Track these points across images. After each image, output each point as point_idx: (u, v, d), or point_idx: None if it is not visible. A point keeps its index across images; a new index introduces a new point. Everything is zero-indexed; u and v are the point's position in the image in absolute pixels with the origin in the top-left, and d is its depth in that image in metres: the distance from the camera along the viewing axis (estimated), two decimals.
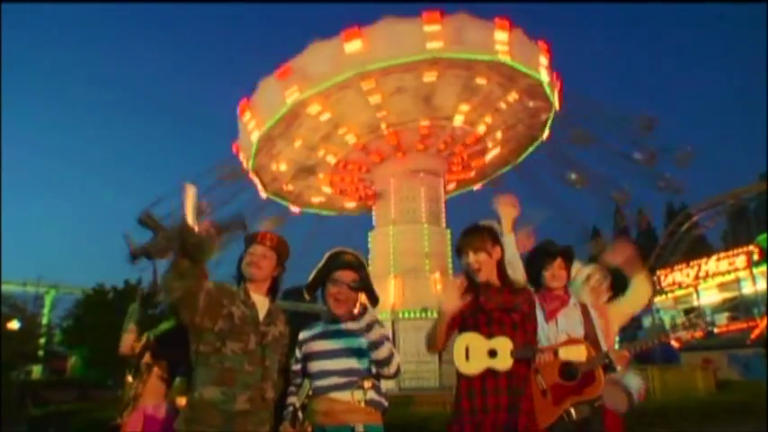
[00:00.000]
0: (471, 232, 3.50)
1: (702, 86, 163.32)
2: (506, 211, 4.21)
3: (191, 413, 3.09)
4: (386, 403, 3.33)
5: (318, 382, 3.31)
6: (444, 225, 24.11)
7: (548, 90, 21.71)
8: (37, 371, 42.75)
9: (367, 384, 3.27)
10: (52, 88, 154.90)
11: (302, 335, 3.62)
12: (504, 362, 3.09)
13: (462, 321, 3.34)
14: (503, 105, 22.23)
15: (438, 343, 3.32)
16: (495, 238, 3.43)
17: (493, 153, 25.06)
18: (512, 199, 4.28)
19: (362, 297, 3.66)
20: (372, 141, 22.68)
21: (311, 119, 21.24)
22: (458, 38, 19.10)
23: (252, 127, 21.80)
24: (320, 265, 3.61)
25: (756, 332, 34.46)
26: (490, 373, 3.12)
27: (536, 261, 4.17)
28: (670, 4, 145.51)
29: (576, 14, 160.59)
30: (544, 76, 21.09)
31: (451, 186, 27.02)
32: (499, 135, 24.04)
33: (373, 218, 24.34)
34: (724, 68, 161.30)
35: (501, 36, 19.73)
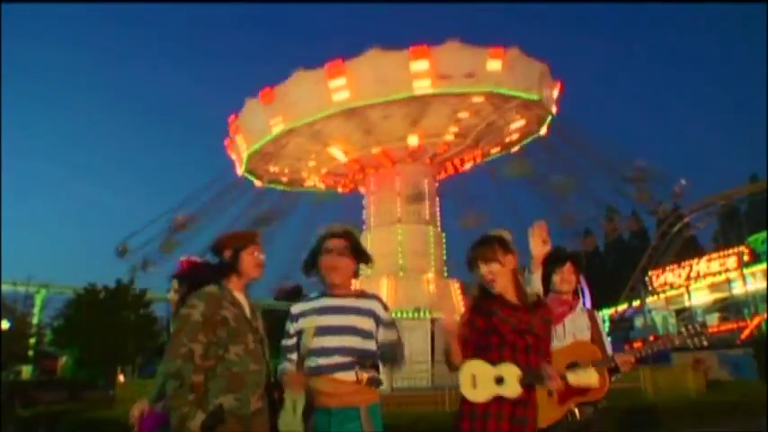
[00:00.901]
0: (481, 244, 3.44)
1: (694, 87, 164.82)
2: (538, 247, 4.06)
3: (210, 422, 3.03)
4: (382, 380, 3.32)
5: (320, 360, 3.25)
6: (438, 225, 24.12)
7: (547, 117, 21.83)
8: (27, 371, 42.35)
9: (369, 364, 3.25)
10: (39, 88, 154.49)
11: (298, 308, 3.52)
12: (511, 389, 3.05)
13: (474, 342, 3.27)
14: (494, 118, 22.26)
15: (456, 363, 3.26)
16: (507, 247, 3.37)
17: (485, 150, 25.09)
18: (544, 232, 4.09)
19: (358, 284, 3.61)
20: (363, 157, 22.71)
21: (299, 139, 21.31)
22: (446, 72, 18.47)
23: (240, 143, 21.92)
24: (313, 244, 3.56)
25: (746, 332, 34.77)
26: (496, 398, 3.09)
27: (546, 265, 4.16)
28: (661, 4, 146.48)
29: (563, 12, 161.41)
30: (544, 99, 20.72)
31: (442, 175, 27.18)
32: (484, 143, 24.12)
33: (364, 218, 24.32)
34: (715, 69, 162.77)
35: (494, 65, 19.07)
